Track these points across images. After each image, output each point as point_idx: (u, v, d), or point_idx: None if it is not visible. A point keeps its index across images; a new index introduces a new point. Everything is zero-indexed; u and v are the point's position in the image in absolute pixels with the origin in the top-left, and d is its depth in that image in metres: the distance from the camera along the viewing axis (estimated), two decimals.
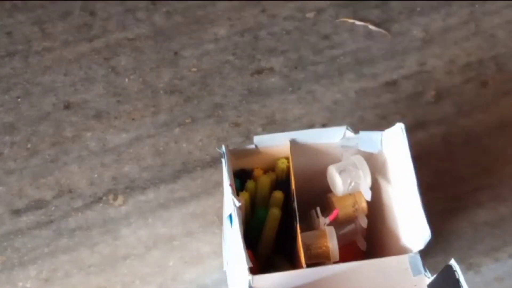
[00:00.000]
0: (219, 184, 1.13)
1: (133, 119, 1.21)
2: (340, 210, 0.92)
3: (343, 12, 1.33)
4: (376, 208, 0.95)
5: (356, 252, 0.95)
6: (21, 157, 1.17)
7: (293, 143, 0.91)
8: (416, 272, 0.81)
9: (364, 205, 0.92)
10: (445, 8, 1.35)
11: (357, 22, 1.32)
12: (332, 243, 0.88)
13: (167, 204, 1.14)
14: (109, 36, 1.29)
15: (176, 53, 1.28)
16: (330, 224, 0.91)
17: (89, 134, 1.20)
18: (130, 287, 1.07)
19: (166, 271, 1.09)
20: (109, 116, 1.21)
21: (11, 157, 1.17)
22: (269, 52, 1.29)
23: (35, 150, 1.18)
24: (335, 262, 0.87)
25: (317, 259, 0.89)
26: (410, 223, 0.86)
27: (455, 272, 0.74)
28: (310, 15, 1.33)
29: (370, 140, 0.91)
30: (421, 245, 0.82)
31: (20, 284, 1.07)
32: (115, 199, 1.14)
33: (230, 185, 0.85)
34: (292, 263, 0.95)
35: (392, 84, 1.26)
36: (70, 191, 1.15)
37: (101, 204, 1.14)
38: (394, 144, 0.88)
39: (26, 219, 1.12)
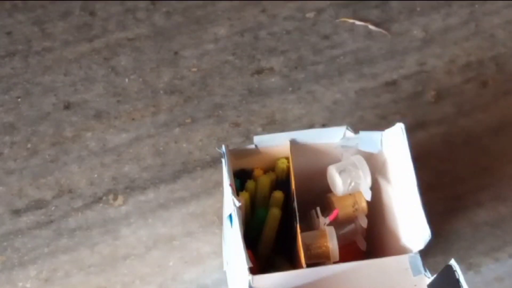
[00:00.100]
0: (219, 184, 1.13)
1: (133, 119, 1.21)
2: (340, 210, 0.92)
3: (343, 12, 1.33)
4: (376, 208, 0.95)
5: (356, 252, 0.95)
6: (21, 157, 1.17)
7: (293, 143, 0.91)
8: (416, 272, 0.81)
9: (364, 205, 0.92)
10: (445, 8, 1.35)
11: (357, 22, 1.32)
12: (332, 243, 0.88)
13: (167, 204, 1.14)
14: (109, 36, 1.29)
15: (176, 53, 1.28)
16: (330, 224, 0.91)
17: (89, 134, 1.20)
18: (130, 287, 1.07)
19: (166, 271, 1.09)
20: (109, 116, 1.22)
21: (11, 157, 1.17)
22: (269, 52, 1.29)
23: (35, 150, 1.18)
24: (335, 262, 0.87)
25: (317, 259, 0.89)
26: (410, 223, 0.86)
27: (455, 272, 0.74)
28: (310, 15, 1.33)
29: (370, 140, 0.91)
30: (421, 245, 0.82)
31: (20, 284, 1.07)
32: (115, 199, 1.14)
33: (230, 185, 0.85)
34: (292, 263, 0.95)
35: (392, 84, 1.26)
36: (70, 191, 1.15)
37: (101, 204, 1.14)
38: (394, 144, 0.88)
39: (26, 219, 1.12)
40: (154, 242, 1.11)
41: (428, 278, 0.80)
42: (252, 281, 0.78)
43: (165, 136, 1.20)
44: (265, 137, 0.90)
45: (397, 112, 1.23)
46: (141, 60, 1.27)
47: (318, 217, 0.93)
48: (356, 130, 0.90)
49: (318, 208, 0.93)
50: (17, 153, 1.18)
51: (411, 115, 1.23)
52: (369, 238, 0.97)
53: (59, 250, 1.10)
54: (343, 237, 0.93)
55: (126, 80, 1.25)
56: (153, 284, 1.08)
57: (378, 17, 1.33)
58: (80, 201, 1.14)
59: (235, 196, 0.82)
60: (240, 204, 0.82)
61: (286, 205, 0.93)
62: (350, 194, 0.92)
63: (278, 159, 0.93)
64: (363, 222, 0.93)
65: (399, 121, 0.88)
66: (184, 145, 1.19)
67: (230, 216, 0.84)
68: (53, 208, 1.13)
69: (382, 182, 0.93)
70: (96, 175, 1.16)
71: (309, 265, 0.84)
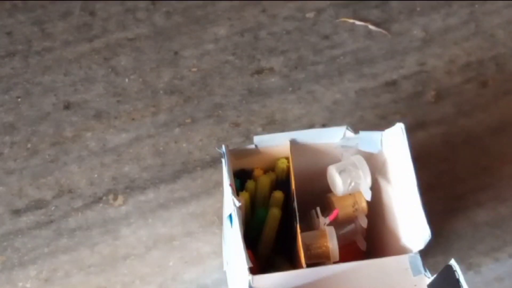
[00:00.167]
0: (219, 184, 1.13)
1: (133, 119, 1.21)
2: (340, 210, 0.92)
3: (343, 12, 1.33)
4: (376, 208, 0.95)
5: (356, 252, 0.95)
6: (21, 157, 1.17)
7: (293, 143, 0.91)
8: (416, 272, 0.81)
9: (364, 205, 0.92)
10: (445, 8, 1.35)
11: (357, 22, 1.32)
12: (332, 243, 0.88)
13: (167, 204, 1.14)
14: (109, 36, 1.29)
15: (176, 53, 1.28)
16: (330, 224, 0.91)
17: (89, 134, 1.20)
18: (130, 287, 1.08)
19: (166, 271, 1.09)
20: (109, 116, 1.22)
21: (11, 157, 1.17)
22: (269, 52, 1.29)
23: (35, 150, 1.18)
24: (335, 262, 0.87)
25: (317, 259, 0.89)
26: (410, 223, 0.86)
27: (455, 272, 0.74)
28: (310, 15, 1.33)
29: (370, 140, 0.91)
30: (421, 245, 0.82)
31: (20, 284, 1.07)
32: (115, 199, 1.14)
33: (230, 185, 0.85)
34: (292, 263, 0.95)
35: (392, 84, 1.26)
36: (70, 191, 1.15)
37: (101, 204, 1.14)
38: (394, 144, 0.88)
39: (26, 219, 1.12)
40: (154, 242, 1.11)
41: (428, 278, 0.80)
42: (252, 281, 0.78)
43: (165, 136, 1.20)
44: (265, 137, 0.90)
45: (397, 112, 1.23)
46: (141, 60, 1.27)
47: (318, 217, 0.93)
48: (356, 130, 0.90)
49: (318, 208, 0.93)
50: (17, 153, 1.18)
51: (411, 115, 1.23)
52: (369, 238, 0.97)
53: (59, 250, 1.10)
54: (343, 237, 0.93)
55: (126, 80, 1.25)
56: (153, 284, 1.08)
57: (378, 17, 1.33)
58: (80, 201, 1.14)
59: (235, 196, 0.82)
60: (240, 204, 0.82)
61: (286, 205, 0.93)
62: (350, 194, 0.92)
63: (278, 159, 0.93)
64: (363, 222, 0.93)
65: (399, 121, 0.87)
66: (184, 145, 1.19)
67: (230, 216, 0.84)
68: (53, 208, 1.13)
69: (382, 182, 0.93)
70: (96, 175, 1.16)
71: (309, 265, 0.84)
